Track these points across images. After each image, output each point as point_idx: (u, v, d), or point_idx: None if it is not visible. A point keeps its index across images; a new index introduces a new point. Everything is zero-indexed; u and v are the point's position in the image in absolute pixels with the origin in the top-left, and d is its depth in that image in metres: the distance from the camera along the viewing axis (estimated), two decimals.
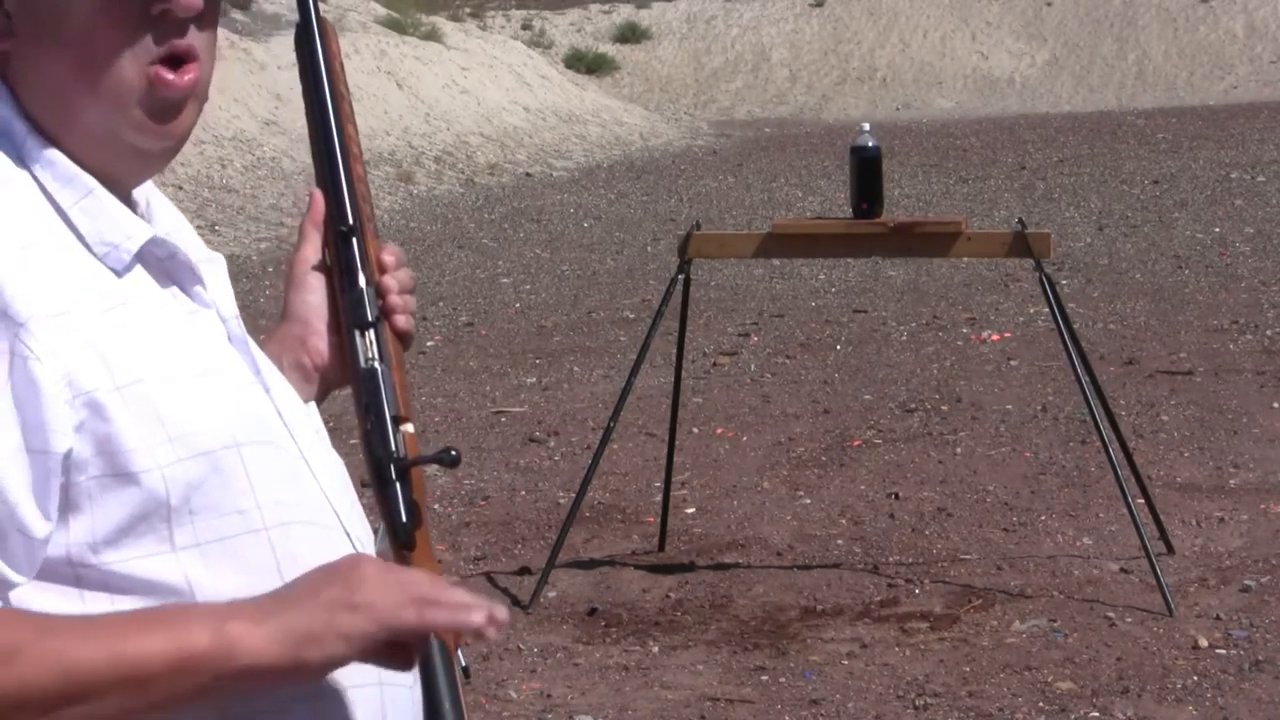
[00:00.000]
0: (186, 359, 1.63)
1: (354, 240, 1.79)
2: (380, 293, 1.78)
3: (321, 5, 1.85)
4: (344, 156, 1.82)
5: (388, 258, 1.81)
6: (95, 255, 1.63)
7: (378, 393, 1.72)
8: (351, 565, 1.57)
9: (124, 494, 1.56)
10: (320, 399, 1.86)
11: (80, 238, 1.63)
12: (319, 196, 1.82)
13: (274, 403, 1.70)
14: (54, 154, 1.64)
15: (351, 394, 1.76)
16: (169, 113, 1.65)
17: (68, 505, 1.56)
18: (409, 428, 1.71)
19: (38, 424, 1.53)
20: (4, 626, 1.49)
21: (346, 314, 1.78)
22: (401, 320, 1.79)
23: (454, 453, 1.66)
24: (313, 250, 1.84)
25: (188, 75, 1.65)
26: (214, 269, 1.75)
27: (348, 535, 1.70)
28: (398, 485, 1.67)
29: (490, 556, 6.66)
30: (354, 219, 1.80)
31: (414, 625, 1.55)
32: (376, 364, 1.73)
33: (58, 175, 1.64)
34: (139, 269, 1.66)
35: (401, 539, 1.68)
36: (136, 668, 1.50)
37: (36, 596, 1.55)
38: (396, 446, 1.69)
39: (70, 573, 1.57)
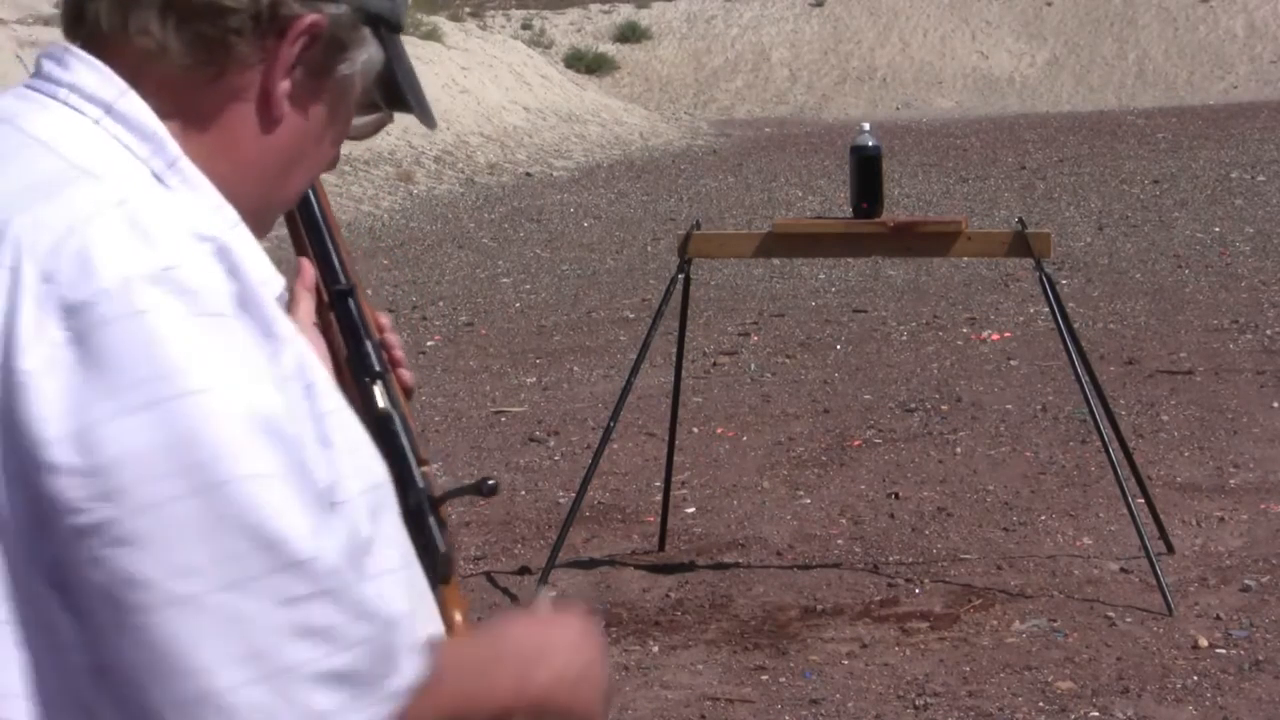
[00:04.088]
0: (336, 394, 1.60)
1: (351, 298, 1.85)
2: (385, 347, 1.85)
3: None
4: (324, 221, 1.86)
5: (382, 319, 1.87)
6: None
7: (396, 437, 1.79)
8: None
9: (333, 522, 1.52)
10: None
11: None
12: (305, 262, 1.84)
13: None
14: (206, 179, 1.54)
15: None
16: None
17: None
18: (426, 469, 1.80)
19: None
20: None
21: (357, 366, 1.83)
22: (406, 374, 1.86)
23: (491, 482, 1.75)
24: (305, 313, 1.83)
25: None
26: None
27: None
28: (432, 519, 1.76)
29: (490, 556, 6.65)
30: (345, 279, 1.85)
31: None
32: (392, 409, 1.81)
33: (210, 199, 1.54)
34: None
35: (440, 572, 1.74)
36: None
37: None
38: (425, 484, 1.78)
39: None
